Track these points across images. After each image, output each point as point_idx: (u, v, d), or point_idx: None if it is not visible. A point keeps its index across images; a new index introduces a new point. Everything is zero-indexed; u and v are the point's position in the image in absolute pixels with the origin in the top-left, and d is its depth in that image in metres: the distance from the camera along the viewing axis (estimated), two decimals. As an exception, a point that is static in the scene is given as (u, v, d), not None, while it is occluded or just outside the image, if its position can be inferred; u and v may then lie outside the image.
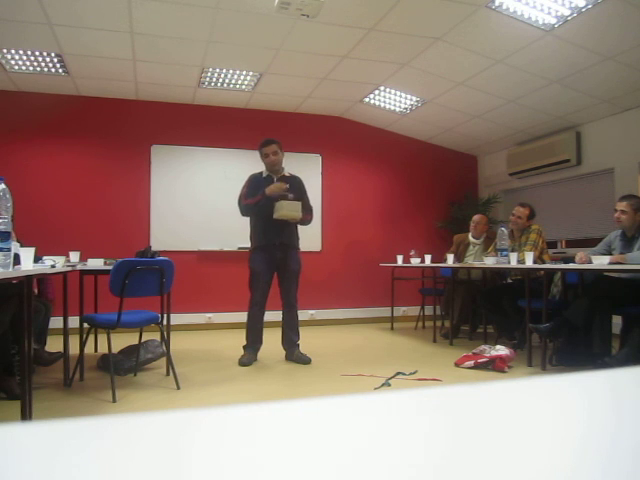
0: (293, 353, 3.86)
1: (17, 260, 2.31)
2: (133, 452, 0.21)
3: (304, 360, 3.78)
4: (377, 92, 5.53)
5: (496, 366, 3.48)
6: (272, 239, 3.81)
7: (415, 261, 5.19)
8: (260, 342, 3.89)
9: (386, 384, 3.11)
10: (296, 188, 3.88)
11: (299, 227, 3.99)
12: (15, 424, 0.22)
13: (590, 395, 0.31)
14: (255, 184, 3.88)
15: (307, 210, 3.90)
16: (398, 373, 3.34)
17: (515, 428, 0.26)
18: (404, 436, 0.24)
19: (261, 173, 3.98)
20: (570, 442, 0.25)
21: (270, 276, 3.87)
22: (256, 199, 3.77)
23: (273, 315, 4.08)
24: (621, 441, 0.25)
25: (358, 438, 0.24)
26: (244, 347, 3.85)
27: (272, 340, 4.01)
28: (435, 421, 0.27)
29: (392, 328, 5.69)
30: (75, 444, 0.21)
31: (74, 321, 3.21)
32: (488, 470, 0.22)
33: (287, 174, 3.96)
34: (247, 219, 3.96)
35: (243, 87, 5.42)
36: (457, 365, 3.63)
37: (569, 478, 0.22)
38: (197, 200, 5.80)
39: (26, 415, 2.31)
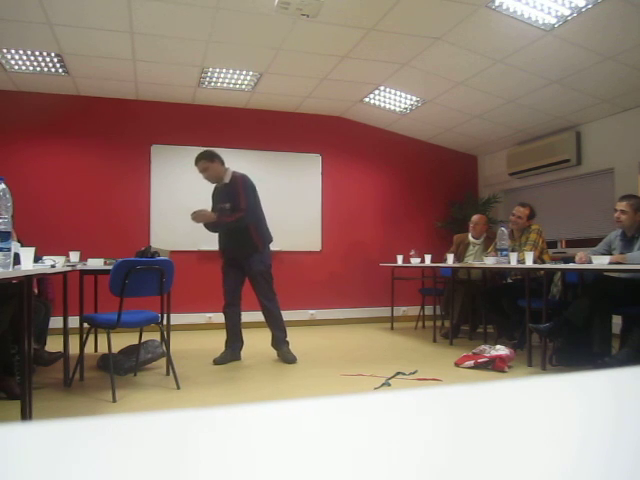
0: (281, 350, 3.86)
1: (17, 260, 2.31)
2: (133, 452, 0.21)
3: (289, 359, 3.76)
4: (377, 92, 5.53)
5: (496, 366, 3.48)
6: (225, 247, 3.89)
7: (415, 261, 5.19)
8: (239, 341, 3.89)
9: (386, 384, 3.11)
10: (229, 193, 3.80)
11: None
12: (15, 424, 0.22)
13: (590, 395, 0.31)
14: (213, 197, 4.01)
15: (235, 211, 3.75)
16: (398, 373, 3.34)
17: (515, 428, 0.26)
18: (404, 436, 0.24)
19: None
20: (570, 442, 0.25)
21: (235, 277, 3.86)
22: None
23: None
24: (621, 441, 0.25)
25: (358, 438, 0.24)
26: (224, 346, 3.87)
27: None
28: (435, 421, 0.27)
29: (392, 328, 5.70)
30: (75, 444, 0.21)
31: (74, 321, 3.21)
32: (488, 470, 0.22)
33: (228, 179, 3.85)
34: None
35: (243, 87, 5.42)
36: (457, 365, 3.63)
37: (569, 478, 0.22)
38: (197, 200, 5.77)
39: (26, 415, 2.31)
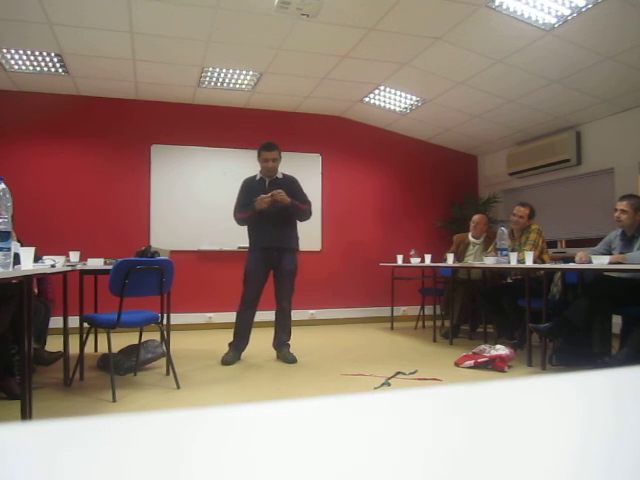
0: (281, 352, 3.87)
1: (17, 260, 2.30)
2: (133, 452, 0.21)
3: (289, 359, 3.78)
4: (377, 92, 5.53)
5: (496, 366, 3.48)
6: (266, 243, 3.83)
7: (415, 261, 5.19)
8: (246, 342, 3.88)
9: (386, 384, 3.11)
10: (289, 189, 3.83)
11: (298, 226, 3.99)
12: (15, 424, 0.22)
13: (590, 395, 0.31)
14: (248, 191, 3.89)
15: (303, 203, 3.89)
16: (398, 373, 3.34)
17: (515, 428, 0.26)
18: (404, 436, 0.24)
19: (255, 177, 3.98)
20: (570, 442, 0.25)
21: (263, 278, 3.87)
22: (247, 214, 3.83)
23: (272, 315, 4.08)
24: (621, 441, 0.25)
25: (358, 438, 0.24)
26: (229, 345, 3.85)
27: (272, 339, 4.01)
28: (435, 421, 0.26)
29: (392, 328, 5.69)
30: (75, 444, 0.21)
31: (74, 321, 3.21)
32: (488, 470, 0.22)
33: (280, 175, 3.93)
34: None
35: (243, 87, 5.42)
36: (457, 365, 3.63)
37: (570, 478, 0.22)
38: (197, 200, 5.80)
39: (26, 415, 2.31)
